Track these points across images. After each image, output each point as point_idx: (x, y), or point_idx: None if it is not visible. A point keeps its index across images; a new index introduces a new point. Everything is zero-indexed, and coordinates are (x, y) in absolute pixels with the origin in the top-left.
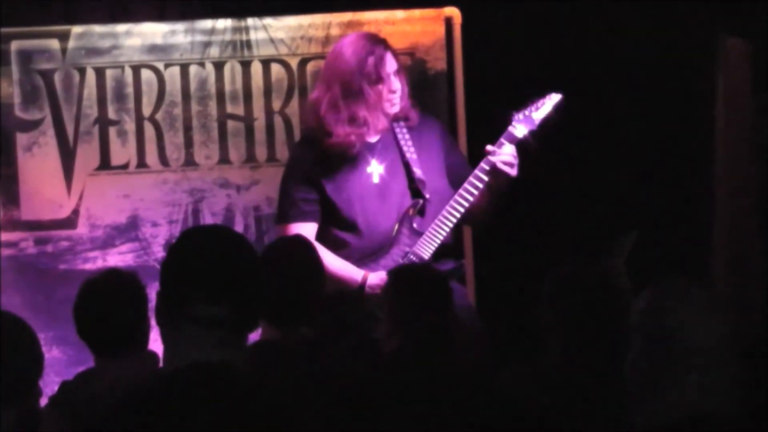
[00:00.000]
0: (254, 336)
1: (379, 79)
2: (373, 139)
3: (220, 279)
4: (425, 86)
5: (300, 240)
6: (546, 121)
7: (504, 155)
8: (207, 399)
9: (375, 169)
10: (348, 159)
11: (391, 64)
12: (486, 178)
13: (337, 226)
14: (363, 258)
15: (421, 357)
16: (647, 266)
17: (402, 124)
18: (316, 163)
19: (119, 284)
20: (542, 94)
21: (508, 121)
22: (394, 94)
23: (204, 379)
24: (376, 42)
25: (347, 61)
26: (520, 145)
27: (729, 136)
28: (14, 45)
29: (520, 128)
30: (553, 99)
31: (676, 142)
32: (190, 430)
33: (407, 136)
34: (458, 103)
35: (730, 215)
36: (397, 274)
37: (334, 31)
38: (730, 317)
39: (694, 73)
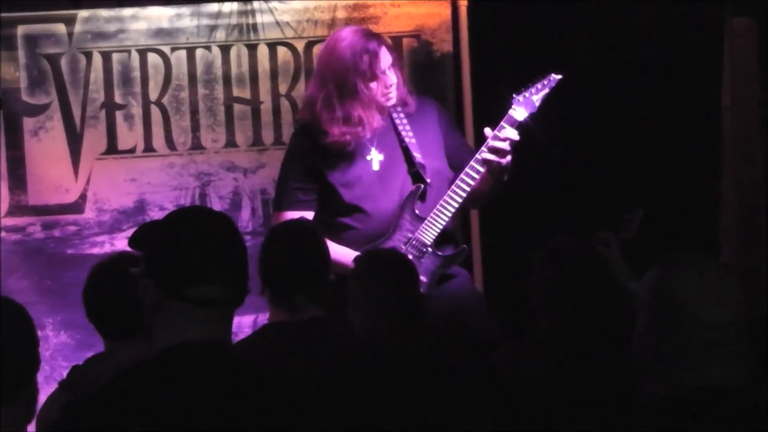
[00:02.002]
0: (262, 320)
1: (374, 76)
2: None
3: (222, 259)
4: (431, 68)
5: (303, 222)
6: (550, 101)
7: (498, 142)
8: (209, 375)
9: (374, 156)
10: (346, 150)
11: (385, 60)
12: (484, 166)
13: (340, 213)
14: (366, 244)
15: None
16: (654, 243)
17: (399, 109)
18: (314, 152)
19: (128, 268)
20: (542, 75)
21: (508, 104)
22: (390, 88)
23: (204, 356)
24: (370, 38)
25: (341, 60)
26: (522, 127)
27: (736, 114)
28: (20, 29)
29: (520, 111)
30: (552, 80)
31: (683, 120)
32: (195, 404)
33: (405, 121)
34: (464, 85)
35: (738, 191)
36: (359, 259)
37: (340, 14)
38: (740, 292)
39: (701, 52)
